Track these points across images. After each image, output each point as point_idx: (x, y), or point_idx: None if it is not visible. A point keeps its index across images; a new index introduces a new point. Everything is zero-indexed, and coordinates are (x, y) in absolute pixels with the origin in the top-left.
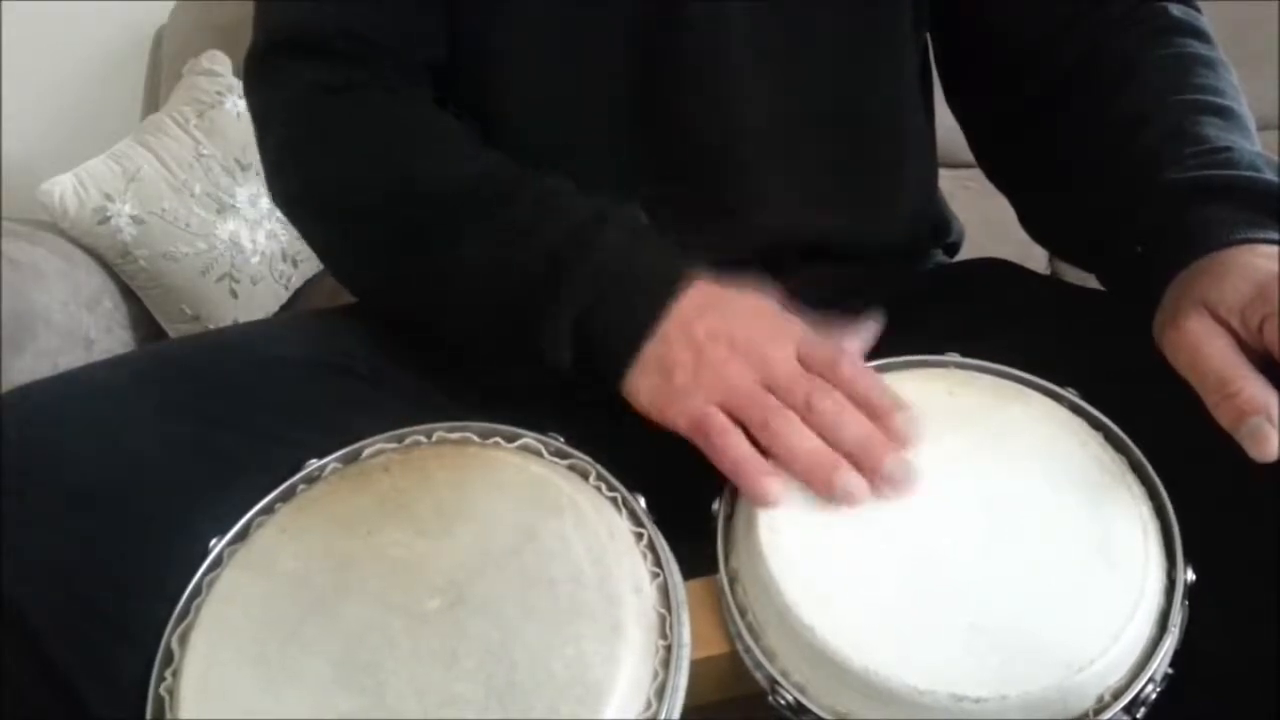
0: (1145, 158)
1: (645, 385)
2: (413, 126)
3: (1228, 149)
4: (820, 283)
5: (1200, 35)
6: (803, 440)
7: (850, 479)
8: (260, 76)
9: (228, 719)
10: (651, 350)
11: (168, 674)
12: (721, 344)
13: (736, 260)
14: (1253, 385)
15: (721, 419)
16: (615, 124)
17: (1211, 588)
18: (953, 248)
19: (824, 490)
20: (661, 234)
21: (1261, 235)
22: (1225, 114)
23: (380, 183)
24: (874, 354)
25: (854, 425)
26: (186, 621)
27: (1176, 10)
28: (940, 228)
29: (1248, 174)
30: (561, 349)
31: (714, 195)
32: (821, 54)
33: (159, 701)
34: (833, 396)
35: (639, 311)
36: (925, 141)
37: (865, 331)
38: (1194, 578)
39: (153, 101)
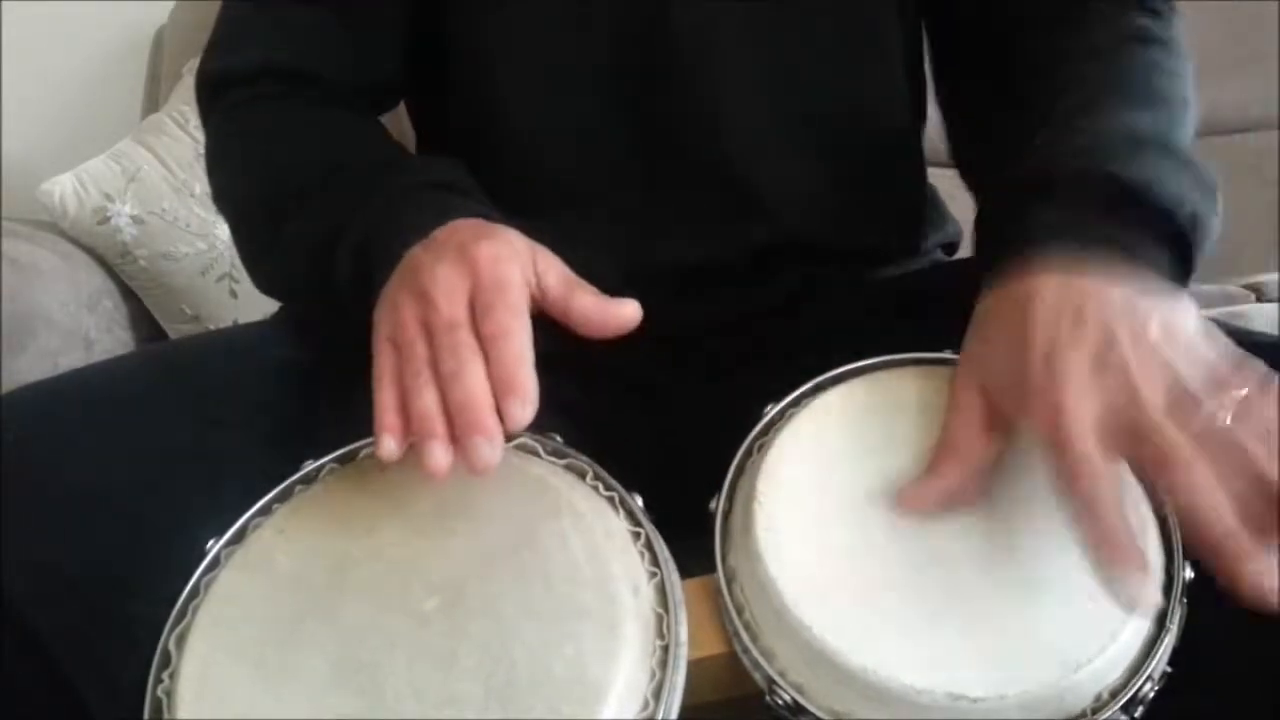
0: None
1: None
2: (301, 122)
3: (1095, 132)
4: (819, 283)
5: (1159, 39)
6: (419, 398)
7: (434, 451)
8: (206, 105)
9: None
10: (396, 275)
11: (165, 675)
12: (421, 275)
13: (731, 262)
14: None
15: (387, 360)
16: (606, 130)
17: (1210, 585)
18: (951, 247)
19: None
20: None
21: (1069, 247)
22: (1139, 95)
23: (257, 176)
24: (874, 353)
25: (461, 388)
26: (184, 623)
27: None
28: (937, 227)
29: (1083, 163)
30: (343, 273)
31: (707, 199)
32: (808, 55)
33: (157, 703)
34: (459, 354)
35: (404, 235)
36: (916, 141)
37: (607, 306)
38: (1193, 575)
39: (153, 101)
